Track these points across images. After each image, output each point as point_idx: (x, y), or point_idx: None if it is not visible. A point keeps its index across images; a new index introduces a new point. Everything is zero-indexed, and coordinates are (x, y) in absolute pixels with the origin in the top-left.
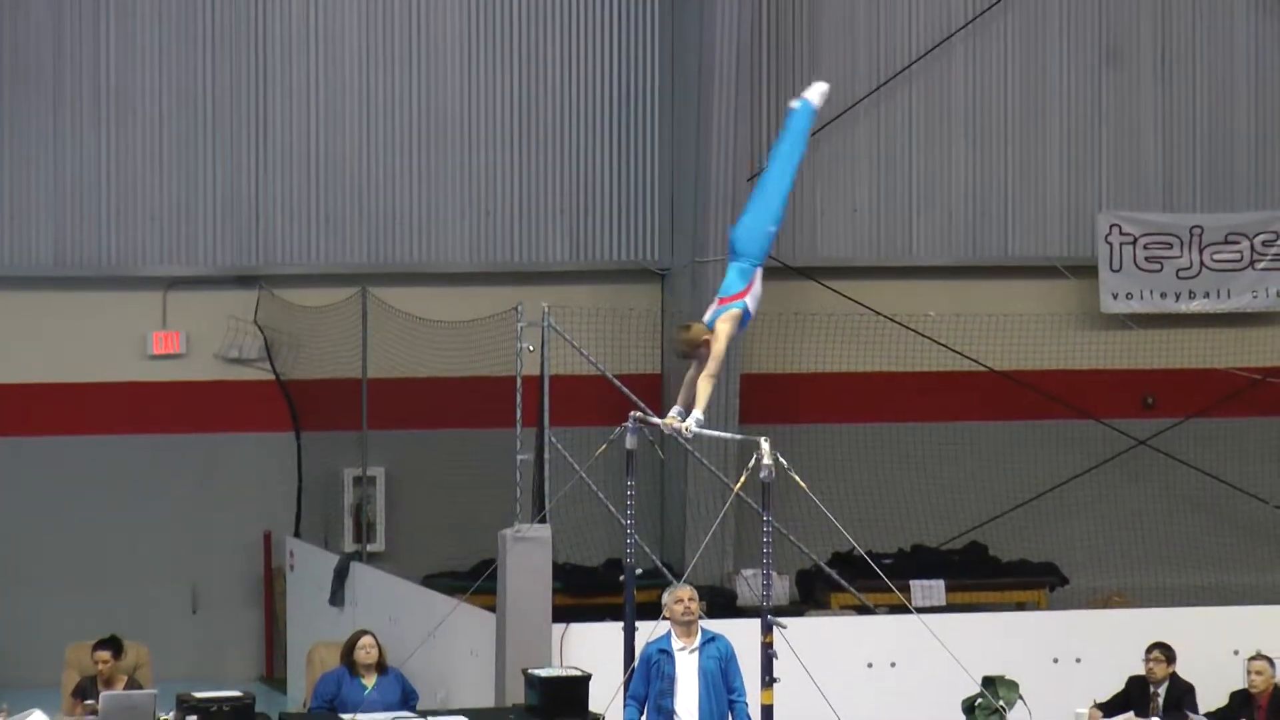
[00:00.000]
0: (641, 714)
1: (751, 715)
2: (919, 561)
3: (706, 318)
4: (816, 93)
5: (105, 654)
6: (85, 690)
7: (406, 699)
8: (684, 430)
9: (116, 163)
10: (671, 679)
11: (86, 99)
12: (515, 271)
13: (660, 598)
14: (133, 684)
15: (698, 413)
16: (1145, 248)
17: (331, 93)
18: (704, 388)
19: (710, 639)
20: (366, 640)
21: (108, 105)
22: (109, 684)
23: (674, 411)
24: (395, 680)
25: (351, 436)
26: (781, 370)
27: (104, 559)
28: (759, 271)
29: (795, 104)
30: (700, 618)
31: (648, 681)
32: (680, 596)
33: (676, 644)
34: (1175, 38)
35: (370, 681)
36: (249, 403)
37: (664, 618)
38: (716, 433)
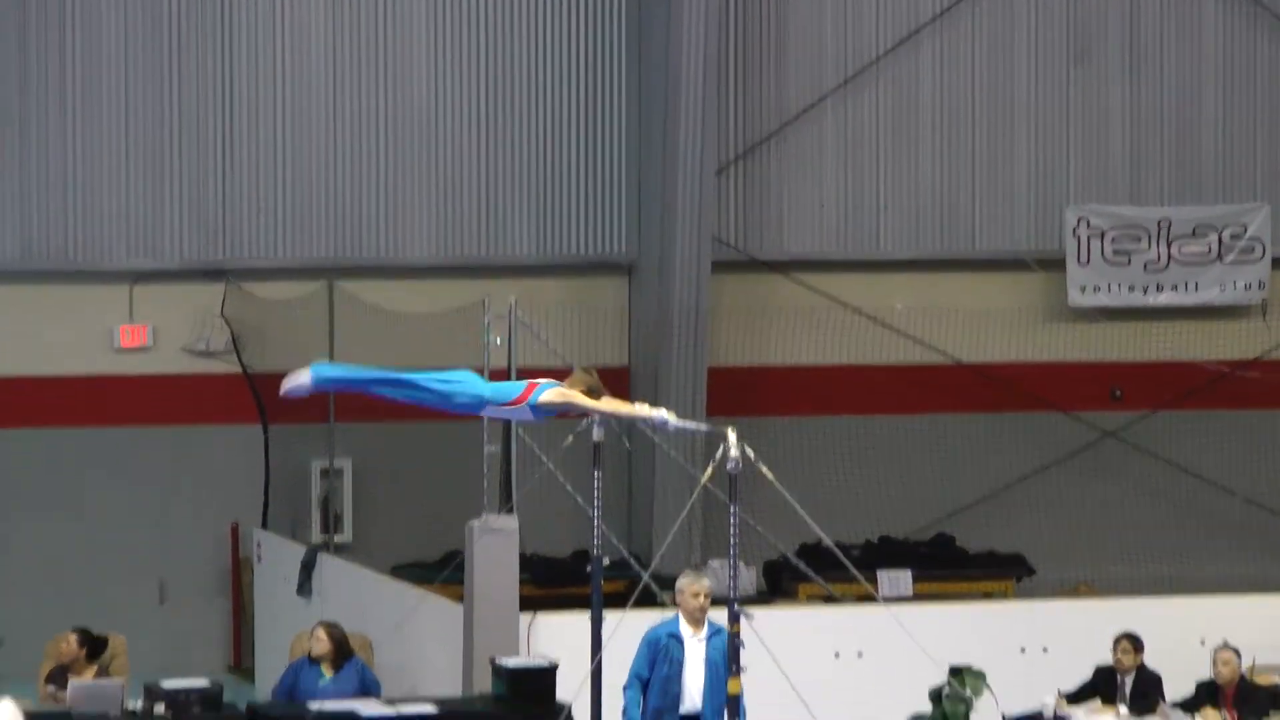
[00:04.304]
0: (643, 696)
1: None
2: (886, 552)
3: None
4: None
5: (73, 638)
6: (56, 679)
7: (367, 691)
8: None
9: (83, 157)
10: (680, 664)
11: (52, 93)
12: (482, 265)
13: (624, 587)
14: (103, 673)
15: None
16: (1113, 241)
17: (298, 87)
18: (619, 406)
19: (716, 631)
20: (317, 631)
21: (74, 99)
22: (76, 671)
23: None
24: (354, 671)
25: (319, 429)
26: (749, 363)
27: (71, 551)
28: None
29: None
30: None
31: (652, 664)
32: (697, 591)
33: (686, 630)
34: (1143, 31)
35: (329, 672)
36: (216, 395)
37: (676, 604)
38: (684, 424)
